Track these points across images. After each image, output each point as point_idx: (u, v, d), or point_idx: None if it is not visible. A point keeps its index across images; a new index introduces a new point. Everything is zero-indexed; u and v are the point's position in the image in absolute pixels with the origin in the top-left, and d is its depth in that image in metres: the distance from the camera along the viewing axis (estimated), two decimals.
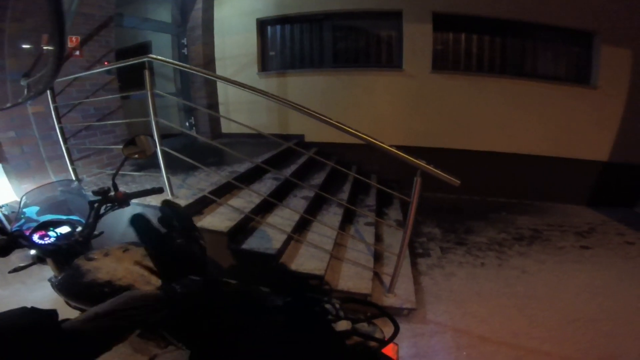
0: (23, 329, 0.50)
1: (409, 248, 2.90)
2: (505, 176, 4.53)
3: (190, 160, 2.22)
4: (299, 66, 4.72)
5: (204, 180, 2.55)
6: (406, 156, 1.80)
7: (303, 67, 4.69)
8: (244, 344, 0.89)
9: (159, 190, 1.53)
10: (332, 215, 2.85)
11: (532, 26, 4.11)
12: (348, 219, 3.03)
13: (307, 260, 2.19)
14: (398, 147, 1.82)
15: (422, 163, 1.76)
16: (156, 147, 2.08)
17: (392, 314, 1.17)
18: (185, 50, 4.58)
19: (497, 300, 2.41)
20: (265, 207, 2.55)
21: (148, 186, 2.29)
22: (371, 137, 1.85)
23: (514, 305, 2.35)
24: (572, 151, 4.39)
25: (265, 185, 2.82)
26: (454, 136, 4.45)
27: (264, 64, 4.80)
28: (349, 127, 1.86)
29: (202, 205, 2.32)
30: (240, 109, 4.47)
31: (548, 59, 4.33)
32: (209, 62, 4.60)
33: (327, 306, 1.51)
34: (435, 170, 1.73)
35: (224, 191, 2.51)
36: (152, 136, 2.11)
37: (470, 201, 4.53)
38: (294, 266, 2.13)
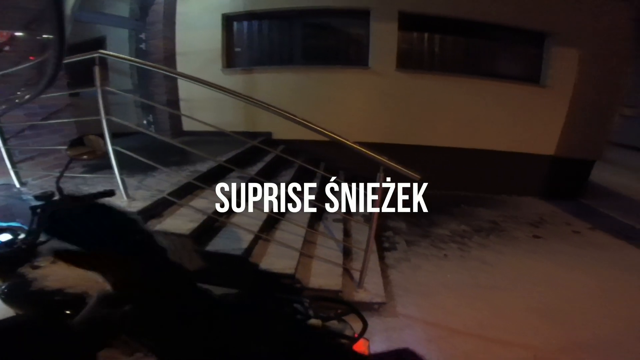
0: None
1: (376, 242, 2.96)
2: (465, 170, 4.78)
3: (147, 160, 2.11)
4: (267, 63, 4.65)
5: (164, 181, 2.43)
6: (369, 152, 1.83)
7: (271, 64, 4.62)
8: (214, 347, 0.89)
9: (110, 193, 1.43)
10: (301, 213, 2.84)
11: (491, 27, 4.34)
12: (317, 215, 3.03)
13: (276, 259, 2.16)
14: (366, 144, 1.85)
15: (384, 159, 1.80)
16: (107, 146, 1.95)
17: (359, 310, 1.18)
18: (143, 45, 4.33)
19: (463, 291, 2.51)
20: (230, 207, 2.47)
21: (101, 188, 2.14)
22: (335, 134, 1.86)
23: (479, 296, 2.45)
24: (525, 146, 4.71)
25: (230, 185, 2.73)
26: (418, 133, 4.61)
27: (230, 60, 4.67)
28: (313, 124, 1.85)
29: (162, 207, 2.21)
30: (205, 106, 4.30)
31: (504, 59, 4.62)
32: (170, 57, 4.39)
33: (297, 306, 1.49)
34: (397, 166, 1.78)
35: (185, 192, 2.40)
36: (102, 135, 1.98)
37: (433, 195, 4.67)
38: (264, 266, 2.10)
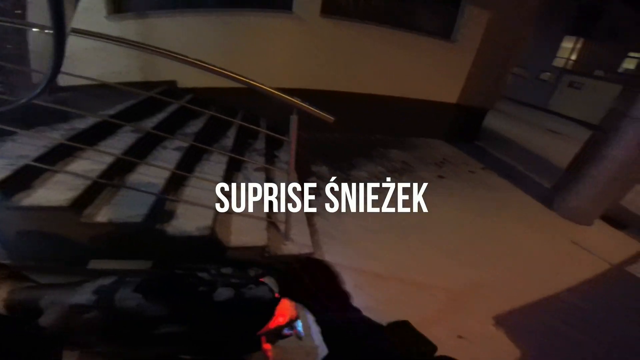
0: None
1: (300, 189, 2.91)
2: (381, 116, 5.04)
3: None
4: (169, 6, 3.87)
5: (28, 145, 1.89)
6: (282, 95, 1.68)
7: (175, 7, 3.86)
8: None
9: None
10: (214, 165, 2.55)
11: None
12: (235, 166, 2.75)
13: (187, 221, 1.92)
14: (287, 90, 1.69)
15: (297, 101, 1.68)
16: None
17: (276, 268, 1.13)
18: None
19: (383, 235, 2.65)
20: (123, 167, 2.10)
21: None
22: (242, 76, 1.64)
23: (398, 240, 2.62)
24: (434, 95, 5.15)
25: (121, 141, 2.29)
26: (339, 80, 4.59)
27: (117, 6, 3.76)
28: (212, 65, 1.58)
29: (29, 176, 1.74)
30: (87, 58, 3.46)
31: (423, 14, 4.71)
32: (17, 7, 3.32)
33: (202, 274, 1.32)
34: (310, 108, 1.68)
35: (60, 155, 1.93)
36: None
37: (353, 139, 4.85)
38: (172, 231, 1.84)
